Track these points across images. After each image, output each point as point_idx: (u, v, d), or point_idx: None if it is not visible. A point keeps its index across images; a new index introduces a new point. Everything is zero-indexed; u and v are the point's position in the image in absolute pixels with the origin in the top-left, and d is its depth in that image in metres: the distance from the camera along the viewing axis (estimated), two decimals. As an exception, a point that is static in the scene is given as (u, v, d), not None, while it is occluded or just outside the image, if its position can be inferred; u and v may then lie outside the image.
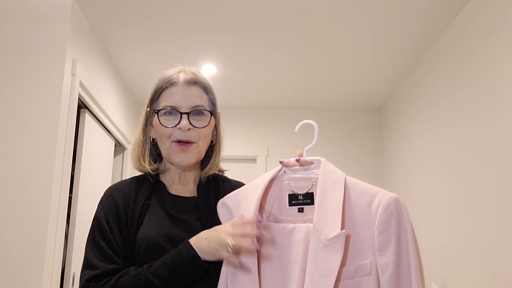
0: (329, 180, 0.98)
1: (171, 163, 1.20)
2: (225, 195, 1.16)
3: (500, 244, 2.12)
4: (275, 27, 2.74)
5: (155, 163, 1.23)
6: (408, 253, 0.88)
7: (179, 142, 1.15)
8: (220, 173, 1.28)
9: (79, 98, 2.52)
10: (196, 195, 1.19)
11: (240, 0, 2.49)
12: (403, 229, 0.89)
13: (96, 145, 2.93)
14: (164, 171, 1.23)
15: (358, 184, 0.97)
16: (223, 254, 0.95)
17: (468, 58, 2.48)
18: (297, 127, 1.08)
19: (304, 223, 0.98)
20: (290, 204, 1.03)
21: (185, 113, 1.15)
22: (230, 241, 0.93)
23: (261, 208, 1.03)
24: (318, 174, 1.00)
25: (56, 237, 2.17)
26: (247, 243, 0.94)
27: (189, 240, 1.01)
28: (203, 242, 0.98)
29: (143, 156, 1.21)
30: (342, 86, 3.62)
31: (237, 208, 1.04)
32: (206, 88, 1.22)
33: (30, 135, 2.19)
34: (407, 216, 0.91)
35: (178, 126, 1.14)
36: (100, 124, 3.01)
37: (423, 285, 0.89)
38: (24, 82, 2.25)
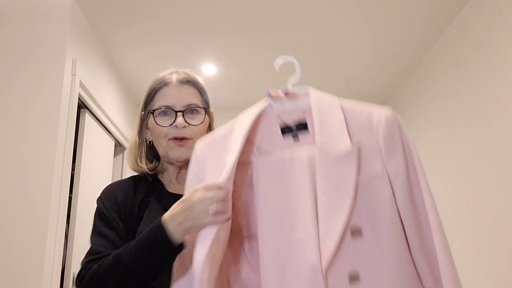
0: (323, 104, 0.96)
1: (169, 162, 1.22)
2: None
3: (500, 244, 2.12)
4: (275, 27, 2.74)
5: (151, 163, 1.25)
6: (413, 159, 0.91)
7: (176, 138, 1.17)
8: None
9: (79, 98, 2.52)
10: None
11: (241, 0, 2.49)
12: (405, 137, 0.92)
13: (96, 145, 2.93)
14: (162, 171, 1.25)
15: (352, 104, 0.97)
16: (205, 222, 0.87)
17: (469, 57, 2.48)
18: (276, 64, 1.00)
19: (303, 148, 0.95)
20: (284, 134, 0.98)
21: (180, 111, 1.17)
22: (211, 208, 0.86)
23: (249, 143, 0.96)
24: (308, 104, 0.98)
25: (56, 237, 2.16)
26: (221, 206, 0.87)
27: (162, 219, 0.92)
28: (180, 216, 0.90)
29: (140, 157, 1.23)
30: (342, 85, 3.62)
31: (223, 144, 0.96)
32: (199, 87, 1.24)
33: (30, 135, 2.19)
34: (405, 127, 0.94)
35: (174, 124, 1.16)
36: (100, 124, 3.01)
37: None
38: (24, 82, 2.25)
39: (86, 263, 1.04)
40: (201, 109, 1.21)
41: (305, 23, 2.68)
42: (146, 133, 1.24)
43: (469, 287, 2.40)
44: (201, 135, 1.19)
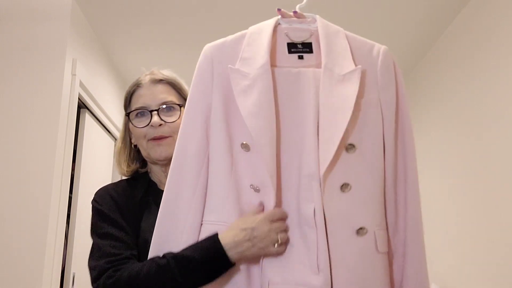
0: (329, 31, 1.04)
1: (152, 162, 1.22)
2: None
3: (500, 244, 2.12)
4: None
5: (142, 167, 1.25)
6: (403, 94, 1.02)
7: (154, 139, 1.18)
8: None
9: (79, 98, 2.52)
10: None
11: (241, 3, 2.49)
12: (397, 72, 1.03)
13: (96, 145, 2.93)
14: (150, 173, 1.25)
15: (355, 36, 1.06)
16: (272, 251, 0.93)
17: (468, 58, 2.48)
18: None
19: (307, 68, 1.01)
20: (290, 52, 1.02)
21: (154, 110, 1.17)
22: (279, 238, 0.92)
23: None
24: (315, 27, 1.04)
25: (56, 237, 2.16)
26: (286, 235, 0.93)
27: (222, 243, 0.92)
28: (245, 244, 0.92)
29: (125, 161, 1.25)
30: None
31: (246, 52, 1.01)
32: (173, 84, 1.24)
33: (30, 135, 2.19)
34: (397, 63, 1.06)
35: (150, 124, 1.16)
36: (100, 124, 3.01)
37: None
38: (24, 82, 2.25)
39: (105, 266, 0.99)
40: (177, 106, 1.20)
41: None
42: (131, 137, 1.25)
43: (468, 286, 2.40)
44: None
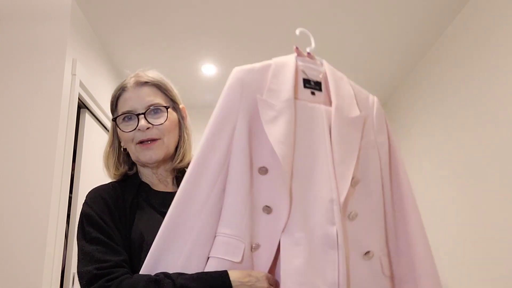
0: (336, 75, 1.16)
1: (142, 165, 1.22)
2: None
3: (500, 244, 2.12)
4: (274, 27, 2.74)
5: (130, 170, 1.24)
6: (392, 138, 1.17)
7: (142, 142, 1.17)
8: None
9: (79, 98, 2.52)
10: (175, 191, 1.21)
11: (241, 1, 2.49)
12: (387, 121, 1.18)
13: (96, 145, 2.93)
14: (140, 174, 1.24)
15: (353, 83, 1.19)
16: None
17: (468, 58, 2.48)
18: (297, 31, 1.23)
19: (319, 104, 1.13)
20: (304, 87, 1.13)
21: (141, 113, 1.16)
22: None
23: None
24: (323, 70, 1.16)
25: (56, 237, 2.17)
26: None
27: (230, 277, 0.95)
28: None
29: (113, 165, 1.23)
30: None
31: (273, 82, 1.09)
32: (158, 86, 1.22)
33: (30, 135, 2.19)
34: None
35: (137, 128, 1.15)
36: (100, 124, 3.01)
37: None
38: (24, 82, 2.25)
39: (94, 272, 0.98)
40: (163, 108, 1.18)
41: (304, 23, 2.68)
42: (120, 141, 1.23)
43: (468, 286, 2.40)
44: (169, 133, 1.19)
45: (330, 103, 1.11)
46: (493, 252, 2.17)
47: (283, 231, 0.98)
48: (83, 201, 1.15)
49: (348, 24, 2.72)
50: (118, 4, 2.51)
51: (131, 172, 1.24)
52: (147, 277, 0.96)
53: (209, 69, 3.29)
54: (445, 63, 2.78)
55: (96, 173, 2.90)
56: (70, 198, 2.46)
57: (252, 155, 1.03)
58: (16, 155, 2.16)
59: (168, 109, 1.19)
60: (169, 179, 1.24)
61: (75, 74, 2.39)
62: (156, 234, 1.02)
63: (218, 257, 0.97)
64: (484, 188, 2.27)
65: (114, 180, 1.23)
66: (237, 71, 1.09)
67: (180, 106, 1.26)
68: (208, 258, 0.98)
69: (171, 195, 1.17)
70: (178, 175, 1.25)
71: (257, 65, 1.12)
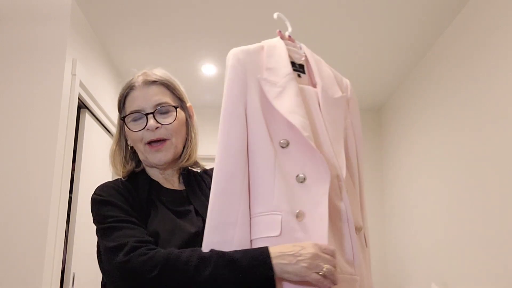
0: (315, 58, 1.20)
1: (150, 166, 1.21)
2: (207, 185, 1.21)
3: (499, 244, 2.12)
4: (274, 27, 2.74)
5: (136, 167, 1.23)
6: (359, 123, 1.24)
7: (150, 143, 1.16)
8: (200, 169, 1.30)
9: (79, 98, 2.52)
10: (182, 189, 1.21)
11: (240, 2, 2.49)
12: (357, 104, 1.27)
13: (96, 145, 2.93)
14: (148, 173, 1.23)
15: (330, 66, 1.24)
16: (312, 277, 0.90)
17: (468, 58, 2.48)
18: (274, 15, 1.26)
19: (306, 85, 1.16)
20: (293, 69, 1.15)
21: (150, 113, 1.15)
22: (325, 268, 0.90)
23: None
24: (303, 53, 1.19)
25: (56, 237, 2.17)
26: (332, 270, 0.92)
27: (270, 253, 0.92)
28: (289, 258, 0.91)
29: (120, 162, 1.22)
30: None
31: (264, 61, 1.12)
32: (167, 85, 1.21)
33: (30, 135, 2.19)
34: None
35: (146, 127, 1.15)
36: (100, 124, 3.02)
37: None
38: (24, 82, 2.25)
39: (134, 244, 0.95)
40: (172, 107, 1.18)
41: (304, 23, 2.68)
42: (127, 140, 1.23)
43: (468, 286, 2.40)
44: (178, 133, 1.18)
45: (313, 85, 1.15)
46: (493, 252, 2.17)
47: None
48: (93, 194, 1.13)
49: (349, 24, 2.72)
50: (118, 4, 2.52)
51: (138, 169, 1.22)
52: (190, 250, 0.95)
53: (209, 69, 3.29)
54: (445, 63, 2.78)
55: (96, 173, 2.90)
56: (70, 198, 2.46)
57: (269, 131, 1.04)
58: (16, 155, 2.16)
59: (177, 109, 1.19)
60: (175, 178, 1.24)
61: (75, 74, 2.39)
62: (170, 233, 1.03)
63: (257, 238, 0.98)
64: (485, 188, 2.27)
65: (121, 177, 1.21)
66: (235, 52, 1.10)
67: (188, 104, 1.25)
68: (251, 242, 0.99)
69: (180, 194, 1.18)
70: (184, 172, 1.24)
71: (251, 47, 1.14)
